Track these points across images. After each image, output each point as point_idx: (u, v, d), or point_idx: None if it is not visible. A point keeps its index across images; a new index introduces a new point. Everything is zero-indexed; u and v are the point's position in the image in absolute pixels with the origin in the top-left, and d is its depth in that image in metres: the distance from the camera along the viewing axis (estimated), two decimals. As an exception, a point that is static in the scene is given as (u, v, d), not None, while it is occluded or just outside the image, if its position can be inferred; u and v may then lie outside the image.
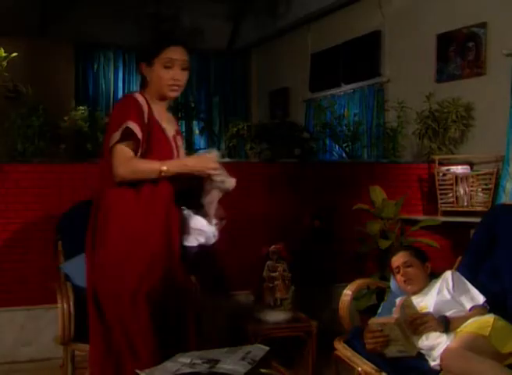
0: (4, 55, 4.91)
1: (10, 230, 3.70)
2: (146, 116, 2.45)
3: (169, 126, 2.61)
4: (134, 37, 7.96)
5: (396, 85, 5.77)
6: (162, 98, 2.57)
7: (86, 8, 7.42)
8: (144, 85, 2.59)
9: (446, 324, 2.53)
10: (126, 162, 2.39)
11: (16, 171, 3.73)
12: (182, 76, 2.54)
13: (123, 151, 2.39)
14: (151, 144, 2.46)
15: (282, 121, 7.50)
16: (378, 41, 6.03)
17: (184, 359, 2.15)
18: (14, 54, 4.98)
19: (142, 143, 2.42)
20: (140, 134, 2.40)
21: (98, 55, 8.55)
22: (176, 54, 2.51)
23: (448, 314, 2.62)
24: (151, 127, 2.47)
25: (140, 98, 2.49)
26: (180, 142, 2.65)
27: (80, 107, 6.86)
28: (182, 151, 2.65)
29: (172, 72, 2.50)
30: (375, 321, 2.60)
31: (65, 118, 6.24)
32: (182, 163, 2.52)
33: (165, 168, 2.40)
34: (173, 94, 2.57)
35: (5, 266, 3.68)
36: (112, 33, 7.90)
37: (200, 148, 8.29)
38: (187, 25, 7.92)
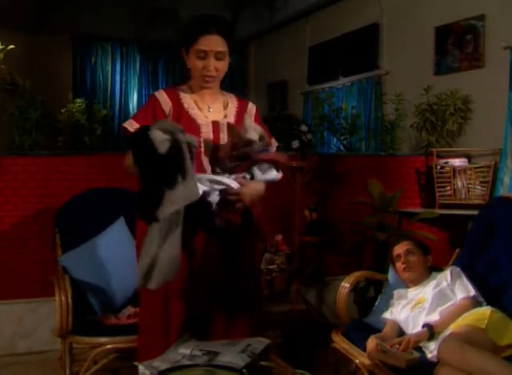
0: (1, 47, 4.90)
1: (8, 222, 3.69)
2: (168, 109, 2.41)
3: (214, 112, 2.49)
4: (132, 30, 7.96)
5: (394, 78, 5.77)
6: (202, 87, 2.48)
7: (84, 1, 7.40)
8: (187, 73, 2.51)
9: (430, 331, 2.53)
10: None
11: (14, 164, 3.72)
12: (216, 66, 2.41)
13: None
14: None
15: (280, 113, 7.51)
16: (376, 34, 6.01)
17: (184, 350, 2.16)
18: (11, 46, 4.97)
19: None
20: (133, 128, 2.34)
21: (96, 47, 8.53)
22: (209, 45, 2.37)
23: (444, 307, 2.63)
24: (179, 117, 2.40)
25: (161, 94, 2.46)
26: (228, 124, 2.48)
27: (78, 99, 6.88)
28: (224, 136, 2.46)
29: (204, 62, 2.39)
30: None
31: (63, 110, 6.24)
32: None
33: None
34: (207, 85, 2.45)
35: (4, 258, 3.68)
36: (109, 25, 7.89)
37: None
38: (185, 17, 7.90)
